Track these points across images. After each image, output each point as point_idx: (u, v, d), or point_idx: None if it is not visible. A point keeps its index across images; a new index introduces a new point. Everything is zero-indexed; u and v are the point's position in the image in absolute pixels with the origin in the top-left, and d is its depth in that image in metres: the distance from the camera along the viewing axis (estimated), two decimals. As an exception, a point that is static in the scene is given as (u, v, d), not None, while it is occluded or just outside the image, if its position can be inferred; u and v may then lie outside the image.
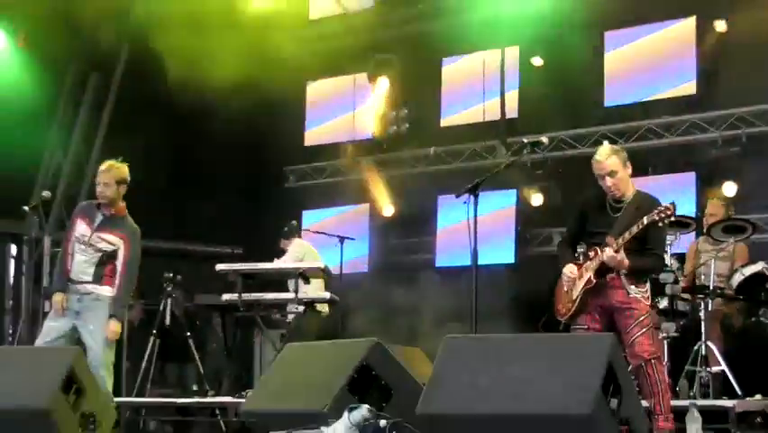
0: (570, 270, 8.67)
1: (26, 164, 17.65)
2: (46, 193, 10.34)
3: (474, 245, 8.72)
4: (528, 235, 17.25)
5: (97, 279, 10.05)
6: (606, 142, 9.19)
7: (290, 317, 13.72)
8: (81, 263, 10.10)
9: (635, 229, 8.37)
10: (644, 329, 8.45)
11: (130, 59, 19.09)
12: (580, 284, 8.58)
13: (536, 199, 16.96)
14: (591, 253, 8.60)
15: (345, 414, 6.13)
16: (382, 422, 6.13)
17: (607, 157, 8.64)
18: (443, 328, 11.76)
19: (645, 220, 8.38)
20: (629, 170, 8.73)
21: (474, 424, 5.72)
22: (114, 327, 9.95)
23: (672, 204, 8.46)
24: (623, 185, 8.66)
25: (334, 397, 6.39)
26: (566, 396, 5.62)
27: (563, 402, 5.60)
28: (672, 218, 8.63)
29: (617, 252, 8.36)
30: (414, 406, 6.07)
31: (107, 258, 10.05)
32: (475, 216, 8.70)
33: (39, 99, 18.32)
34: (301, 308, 13.11)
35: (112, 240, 10.06)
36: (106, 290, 10.06)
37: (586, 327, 8.54)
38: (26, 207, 10.50)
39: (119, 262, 10.06)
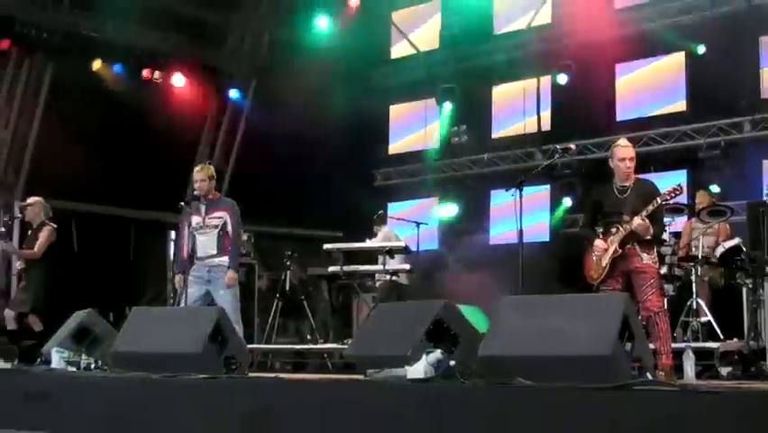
0: (600, 243, 8.61)
1: (182, 170, 17.82)
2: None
3: (520, 227, 8.67)
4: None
5: (220, 252, 10.09)
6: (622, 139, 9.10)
7: (378, 283, 13.77)
8: (204, 243, 10.14)
9: (650, 207, 8.34)
10: (654, 289, 8.42)
11: (257, 90, 19.26)
12: (609, 253, 8.52)
13: (566, 201, 16.89)
14: (613, 230, 8.54)
15: (424, 356, 6.13)
16: (452, 362, 6.12)
17: (629, 146, 8.73)
18: (497, 290, 11.75)
19: (659, 200, 8.39)
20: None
21: (522, 363, 5.69)
22: (232, 275, 10.01)
23: (680, 185, 8.55)
24: (633, 170, 8.65)
25: (415, 344, 6.37)
26: (592, 341, 5.58)
27: (590, 345, 5.56)
28: (682, 194, 8.63)
29: (642, 221, 8.33)
30: (476, 350, 6.05)
31: (222, 231, 10.09)
32: (521, 205, 8.65)
33: (192, 122, 18.55)
34: (387, 277, 13.13)
35: (219, 215, 10.13)
36: (227, 260, 10.13)
37: (612, 287, 8.51)
38: (182, 203, 10.55)
39: (229, 230, 10.13)
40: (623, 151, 8.66)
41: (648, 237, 8.43)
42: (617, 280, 8.56)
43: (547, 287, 9.91)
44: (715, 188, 14.41)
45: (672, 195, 8.46)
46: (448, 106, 18.33)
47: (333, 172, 17.48)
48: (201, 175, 10.29)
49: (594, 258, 8.66)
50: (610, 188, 8.74)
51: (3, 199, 17.25)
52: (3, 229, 12.91)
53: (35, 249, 12.32)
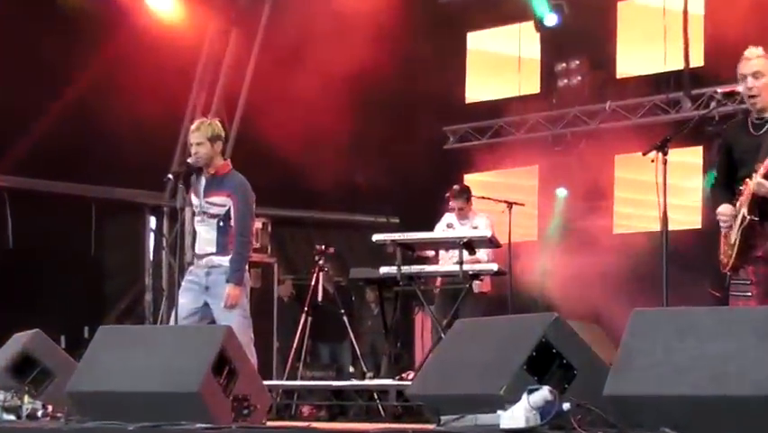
0: (726, 210, 8.04)
1: (167, 130, 17.98)
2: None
3: (664, 209, 8.60)
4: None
5: (220, 249, 9.93)
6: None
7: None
8: (203, 236, 10.06)
9: None
10: None
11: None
12: (737, 224, 7.94)
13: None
14: (743, 187, 7.92)
15: (524, 396, 6.12)
16: (566, 405, 6.10)
17: (756, 56, 8.09)
18: (628, 302, 11.73)
19: None
20: None
21: (670, 406, 5.67)
22: (232, 291, 9.76)
23: None
24: (765, 93, 8.04)
25: (512, 378, 6.37)
26: (773, 374, 5.55)
27: (769, 381, 5.54)
28: None
29: (766, 177, 7.72)
30: (600, 387, 6.04)
31: (224, 222, 9.92)
32: (665, 176, 8.57)
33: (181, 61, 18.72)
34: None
35: (220, 201, 9.94)
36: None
37: (749, 281, 7.91)
38: (169, 176, 10.40)
39: (232, 222, 9.90)
40: (742, 65, 8.13)
41: None
42: (755, 271, 7.94)
43: (703, 293, 9.90)
44: None
45: None
46: (553, 32, 18.24)
47: (384, 131, 17.49)
48: (198, 136, 10.03)
49: (723, 234, 8.16)
50: (745, 121, 8.23)
51: None
52: None
53: None
